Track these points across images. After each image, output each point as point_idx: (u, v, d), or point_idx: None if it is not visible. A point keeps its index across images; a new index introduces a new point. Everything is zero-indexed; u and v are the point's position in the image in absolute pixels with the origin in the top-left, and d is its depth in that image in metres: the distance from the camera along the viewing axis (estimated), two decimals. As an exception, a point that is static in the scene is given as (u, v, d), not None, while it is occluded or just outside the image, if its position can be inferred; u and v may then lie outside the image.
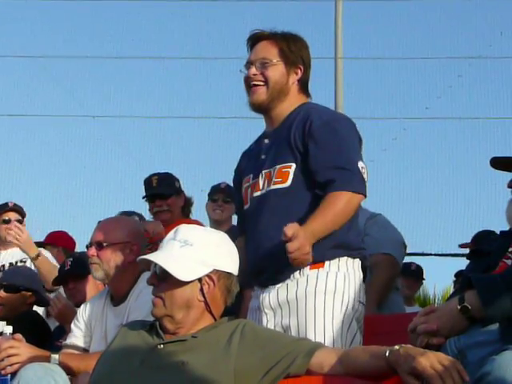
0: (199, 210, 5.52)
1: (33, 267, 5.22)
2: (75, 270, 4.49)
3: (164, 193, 5.14)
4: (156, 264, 2.73)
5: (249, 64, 3.34)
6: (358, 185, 3.14)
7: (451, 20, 11.49)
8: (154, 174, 5.25)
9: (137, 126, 11.56)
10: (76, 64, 11.82)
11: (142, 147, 11.65)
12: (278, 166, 3.24)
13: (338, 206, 3.08)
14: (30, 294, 4.90)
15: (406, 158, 11.26)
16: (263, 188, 3.27)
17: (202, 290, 2.69)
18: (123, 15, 12.37)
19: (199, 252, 2.71)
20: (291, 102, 3.34)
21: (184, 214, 5.24)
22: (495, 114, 10.92)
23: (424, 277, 7.73)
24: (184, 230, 2.78)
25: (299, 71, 3.35)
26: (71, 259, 4.59)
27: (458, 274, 7.78)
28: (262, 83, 3.30)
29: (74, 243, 6.48)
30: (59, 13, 12.38)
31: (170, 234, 2.78)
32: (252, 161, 3.40)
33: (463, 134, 11.39)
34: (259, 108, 3.35)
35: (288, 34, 3.38)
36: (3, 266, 5.71)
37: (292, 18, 11.36)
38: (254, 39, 3.37)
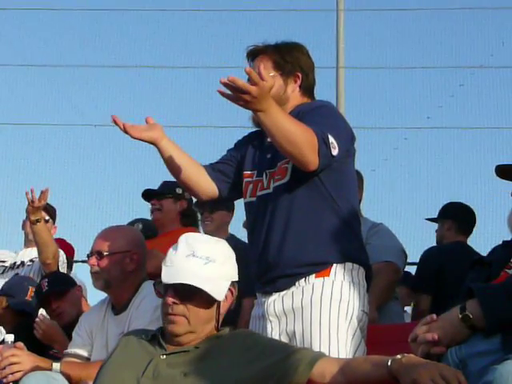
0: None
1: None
2: (54, 289, 4.47)
3: (158, 191, 5.14)
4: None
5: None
6: (323, 149, 3.06)
7: (453, 30, 11.50)
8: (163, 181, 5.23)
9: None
10: (77, 73, 11.85)
11: (143, 156, 11.63)
12: (279, 164, 3.25)
13: (300, 130, 3.03)
14: (2, 298, 4.88)
15: (407, 168, 11.25)
16: (268, 187, 3.29)
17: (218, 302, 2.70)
18: (125, 25, 12.43)
19: (222, 267, 2.71)
20: (292, 107, 3.35)
21: (182, 222, 5.18)
22: (497, 124, 10.91)
23: None
24: (199, 244, 2.73)
25: (297, 79, 3.37)
26: (47, 280, 4.55)
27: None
28: None
29: (72, 250, 6.49)
30: (61, 22, 12.42)
31: (183, 248, 2.71)
32: (257, 155, 3.40)
33: (465, 144, 11.40)
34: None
35: (282, 45, 3.40)
36: (22, 262, 5.72)
37: (294, 28, 11.38)
38: (252, 55, 3.41)
